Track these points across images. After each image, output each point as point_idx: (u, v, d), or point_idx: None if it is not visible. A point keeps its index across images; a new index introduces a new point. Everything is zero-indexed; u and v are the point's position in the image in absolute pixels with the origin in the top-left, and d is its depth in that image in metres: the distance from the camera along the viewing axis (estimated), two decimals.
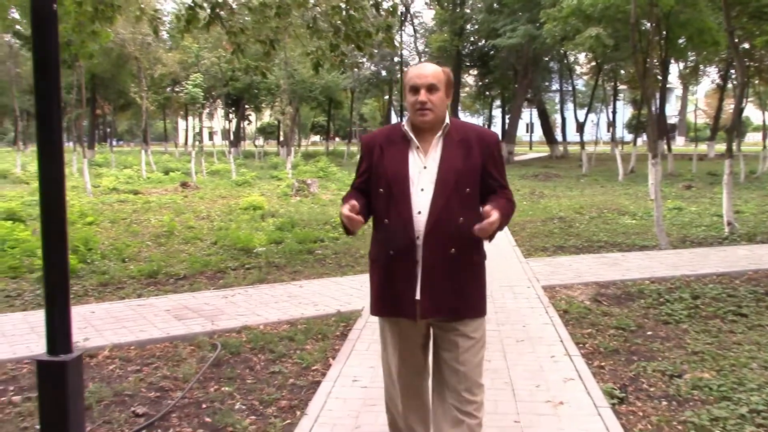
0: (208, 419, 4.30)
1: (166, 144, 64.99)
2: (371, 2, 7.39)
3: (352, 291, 7.62)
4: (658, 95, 35.06)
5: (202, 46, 28.02)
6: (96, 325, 6.25)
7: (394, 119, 58.14)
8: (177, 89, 44.93)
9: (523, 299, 7.20)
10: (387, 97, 56.60)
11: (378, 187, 3.06)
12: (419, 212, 2.94)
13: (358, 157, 3.27)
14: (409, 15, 47.25)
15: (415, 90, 2.97)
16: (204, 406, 4.52)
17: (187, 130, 70.10)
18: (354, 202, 2.88)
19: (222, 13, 6.84)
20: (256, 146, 61.37)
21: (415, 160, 3.01)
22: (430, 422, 3.25)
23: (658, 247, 10.40)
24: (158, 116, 59.61)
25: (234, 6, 7.07)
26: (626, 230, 12.36)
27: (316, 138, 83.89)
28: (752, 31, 25.04)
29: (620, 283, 7.97)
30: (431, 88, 2.96)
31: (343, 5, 7.07)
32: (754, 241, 10.96)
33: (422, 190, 2.97)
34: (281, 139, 51.77)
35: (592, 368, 5.13)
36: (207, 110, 48.19)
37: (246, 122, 62.09)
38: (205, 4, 6.78)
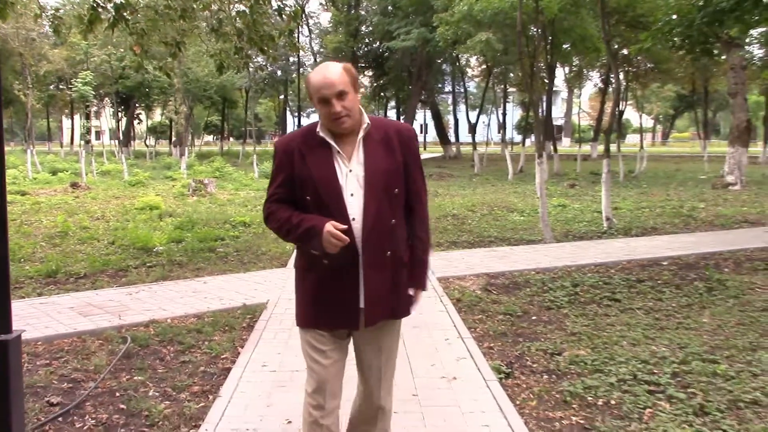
0: (122, 406, 4.48)
1: (50, 143, 62.53)
2: (274, 8, 7.66)
3: (257, 285, 7.86)
4: (544, 98, 36.74)
5: (91, 43, 27.28)
6: None
7: (289, 119, 58.14)
8: (62, 87, 43.45)
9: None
10: (282, 96, 56.52)
11: (304, 195, 2.92)
12: (353, 218, 2.86)
13: (273, 163, 3.08)
14: (304, 15, 47.38)
15: (325, 101, 2.83)
16: (117, 394, 4.69)
17: (72, 129, 67.61)
18: (337, 224, 2.79)
19: (125, 14, 6.95)
20: (147, 146, 59.91)
21: (339, 165, 2.90)
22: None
23: (543, 241, 11.12)
24: (42, 115, 57.25)
25: (137, 8, 7.13)
26: (515, 226, 13.08)
27: (209, 138, 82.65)
28: (629, 38, 26.73)
29: (508, 273, 8.56)
30: (341, 95, 2.82)
31: (247, 10, 7.30)
32: (630, 234, 11.88)
33: (352, 195, 2.88)
34: (174, 138, 50.87)
35: (482, 349, 5.61)
36: (95, 109, 46.78)
37: (136, 121, 60.53)
38: (108, 6, 6.87)
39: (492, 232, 12.24)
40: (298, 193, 2.95)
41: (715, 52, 18.20)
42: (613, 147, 38.86)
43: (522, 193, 19.91)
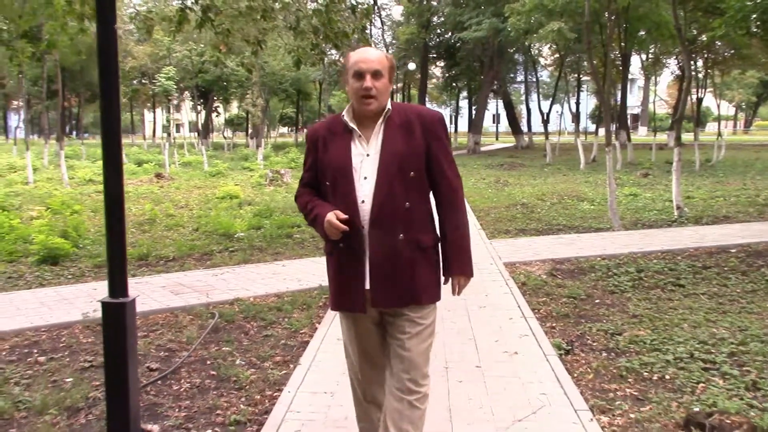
0: (213, 372, 4.98)
1: (133, 136, 64.91)
2: (348, 5, 8.09)
3: None
4: (619, 86, 36.21)
5: (173, 40, 28.40)
6: (100, 298, 6.87)
7: None
8: (144, 81, 45.18)
9: (486, 274, 7.95)
10: None
11: (324, 180, 3.02)
12: (362, 201, 2.90)
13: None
14: (376, 8, 47.82)
15: (360, 75, 2.88)
16: (208, 362, 5.20)
17: (154, 122, 70.12)
18: (339, 213, 2.87)
19: (211, 15, 7.49)
20: (224, 138, 61.56)
21: (357, 149, 2.95)
22: None
23: (611, 229, 11.24)
24: (126, 109, 59.50)
25: (222, 9, 7.65)
26: (584, 215, 13.20)
27: (284, 129, 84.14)
28: (706, 24, 26.13)
29: (574, 259, 8.78)
30: (376, 74, 2.89)
31: (323, 9, 7.76)
32: (700, 223, 11.87)
33: (365, 178, 2.91)
34: (250, 130, 52.17)
35: (544, 328, 5.91)
36: (175, 102, 48.39)
37: (214, 114, 62.25)
38: (195, 7, 7.41)
39: (560, 220, 12.40)
40: (320, 178, 3.06)
41: None
42: (690, 136, 38.11)
43: (593, 183, 19.87)
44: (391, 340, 3.04)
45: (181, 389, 4.69)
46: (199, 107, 53.74)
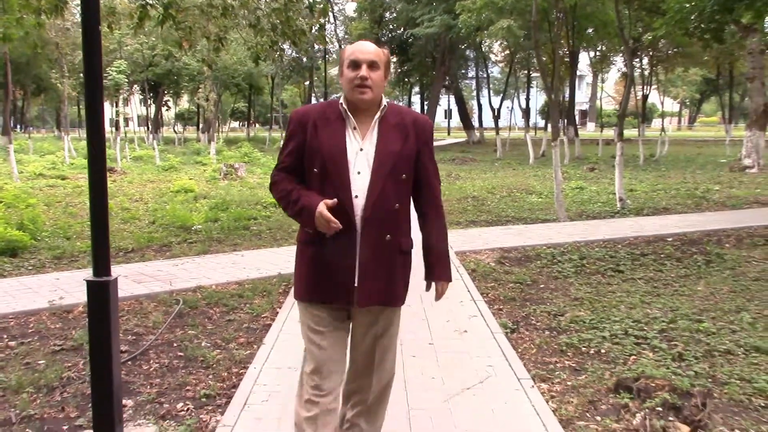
0: (180, 353, 5.25)
1: (80, 130, 63.86)
2: (305, 5, 8.38)
3: (290, 258, 8.54)
4: (568, 83, 37.10)
5: (123, 33, 28.19)
6: (65, 287, 7.06)
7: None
8: None
9: None
10: (308, 82, 57.26)
11: (312, 167, 2.92)
12: (356, 196, 2.86)
13: (286, 131, 3.09)
14: (329, 3, 47.96)
15: (356, 65, 2.87)
16: (175, 344, 5.46)
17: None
18: (328, 201, 2.82)
19: (172, 12, 7.69)
20: (175, 132, 60.99)
21: (351, 141, 2.91)
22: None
23: (557, 220, 11.75)
24: (73, 102, 58.50)
25: (183, 6, 7.85)
26: (532, 207, 13.71)
27: (236, 124, 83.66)
28: (650, 24, 27.03)
29: (521, 248, 9.23)
30: (372, 65, 2.88)
31: (281, 7, 8.02)
32: (641, 214, 12.47)
33: (359, 173, 2.87)
34: (202, 125, 51.85)
35: (492, 310, 6.32)
36: (124, 96, 47.80)
37: (164, 108, 61.63)
38: (157, 4, 7.61)
39: (509, 213, 12.88)
40: (306, 164, 2.96)
41: (728, 38, 18.54)
42: (634, 132, 39.26)
43: (542, 177, 20.46)
44: (360, 340, 3.11)
45: (151, 369, 4.95)
46: (148, 101, 53.19)
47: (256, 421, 3.90)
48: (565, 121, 37.67)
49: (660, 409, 3.86)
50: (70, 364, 4.99)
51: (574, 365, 4.88)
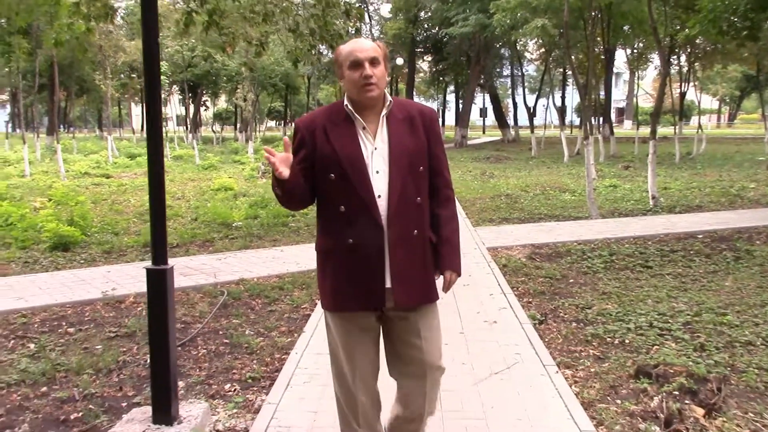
0: (226, 340, 5.61)
1: (121, 130, 65.19)
2: (343, 9, 8.73)
3: None
4: (604, 80, 36.93)
5: (165, 35, 28.84)
6: (116, 279, 7.48)
7: None
8: (133, 75, 45.55)
9: (470, 257, 8.59)
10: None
11: (328, 173, 2.84)
12: (379, 196, 2.81)
13: (293, 141, 2.93)
14: (364, 4, 48.32)
15: (357, 64, 2.79)
16: (221, 332, 5.82)
17: (142, 116, 70.26)
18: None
19: (216, 18, 8.07)
20: (213, 132, 61.92)
21: (363, 141, 2.86)
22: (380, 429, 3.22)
23: (589, 218, 11.92)
24: (114, 103, 59.76)
25: (227, 13, 8.23)
26: (564, 205, 13.88)
27: (272, 123, 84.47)
28: (686, 21, 26.85)
29: (552, 244, 9.44)
30: (374, 62, 2.81)
31: (320, 13, 8.37)
32: (673, 212, 12.57)
33: (377, 172, 2.83)
34: (239, 124, 52.60)
35: (521, 303, 6.57)
36: (163, 96, 48.68)
37: (203, 108, 62.56)
38: (201, 10, 7.99)
39: (542, 210, 13.07)
40: (319, 171, 2.88)
41: (765, 35, 18.44)
42: (666, 130, 38.99)
43: (575, 175, 20.54)
44: (403, 343, 2.99)
45: (199, 354, 5.31)
46: (187, 101, 54.09)
47: (298, 400, 4.22)
48: (601, 119, 37.51)
49: (677, 393, 4.10)
50: (125, 349, 5.37)
51: (598, 354, 5.12)
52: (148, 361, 4.91)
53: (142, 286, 6.98)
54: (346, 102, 2.89)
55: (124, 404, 4.33)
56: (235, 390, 4.56)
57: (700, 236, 9.86)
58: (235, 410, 4.22)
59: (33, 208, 13.10)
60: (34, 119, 35.13)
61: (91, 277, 7.74)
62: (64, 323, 6.09)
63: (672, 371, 4.30)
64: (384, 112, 2.89)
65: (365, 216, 2.80)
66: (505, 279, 7.51)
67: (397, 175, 2.82)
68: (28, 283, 7.45)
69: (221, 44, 8.83)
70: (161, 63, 29.84)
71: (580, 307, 6.44)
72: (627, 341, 5.40)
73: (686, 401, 4.00)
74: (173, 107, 58.80)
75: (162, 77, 26.68)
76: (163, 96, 48.59)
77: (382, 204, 2.81)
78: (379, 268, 2.83)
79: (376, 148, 2.86)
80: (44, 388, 4.60)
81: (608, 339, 5.47)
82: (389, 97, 2.93)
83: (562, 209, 13.18)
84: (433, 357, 3.01)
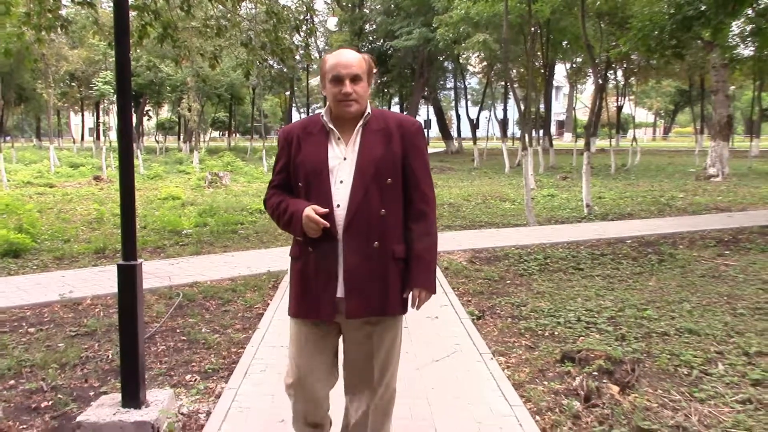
0: (184, 337, 5.92)
1: (60, 140, 64.05)
2: (293, 25, 9.13)
3: (277, 258, 9.28)
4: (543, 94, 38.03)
5: (109, 44, 28.68)
6: (71, 283, 7.70)
7: (295, 115, 59.54)
8: (73, 84, 45.03)
9: None
10: (288, 93, 57.94)
11: (297, 181, 2.94)
12: (338, 205, 2.84)
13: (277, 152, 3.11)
14: (310, 15, 48.68)
15: (338, 80, 2.83)
16: (178, 330, 6.13)
17: (83, 126, 69.20)
18: (318, 208, 2.82)
19: (170, 31, 8.37)
20: (157, 142, 61.37)
21: (334, 151, 2.90)
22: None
23: (527, 225, 12.52)
24: (53, 112, 58.69)
25: (181, 26, 8.54)
26: (504, 213, 14.48)
27: (216, 134, 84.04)
28: (621, 37, 28.02)
29: (491, 249, 9.97)
30: (355, 79, 2.84)
31: (271, 28, 8.75)
32: (606, 219, 13.28)
33: (341, 182, 2.86)
34: (182, 135, 52.32)
35: (462, 301, 7.04)
36: (102, 105, 48.18)
37: (146, 117, 61.98)
38: (154, 24, 8.28)
39: (483, 218, 13.64)
40: (293, 179, 2.98)
41: (693, 52, 19.54)
42: (603, 143, 40.43)
43: (516, 185, 21.24)
44: (353, 355, 3.06)
45: (159, 350, 5.61)
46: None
47: (256, 385, 4.59)
48: (541, 131, 38.64)
49: (596, 373, 4.61)
50: (86, 347, 5.64)
51: (529, 344, 5.62)
52: (111, 355, 5.29)
53: (99, 289, 7.29)
54: (324, 112, 2.96)
55: (91, 393, 4.62)
56: (195, 380, 4.89)
57: (629, 241, 10.52)
58: (197, 396, 4.56)
59: None
60: None
61: (46, 281, 7.93)
62: (24, 324, 6.31)
63: (593, 355, 4.81)
64: (360, 123, 2.92)
65: (329, 220, 2.82)
66: (446, 280, 7.99)
67: (359, 186, 2.84)
68: None
69: (175, 56, 9.12)
70: (106, 72, 29.69)
71: (515, 305, 6.94)
72: (556, 333, 5.90)
73: (604, 380, 4.51)
74: (114, 117, 58.07)
75: (107, 87, 26.60)
76: (104, 105, 48.11)
77: (340, 214, 2.84)
78: (332, 278, 2.86)
79: (345, 158, 2.89)
80: (12, 381, 4.86)
81: (539, 331, 5.97)
82: (368, 110, 2.94)
83: (502, 217, 13.76)
84: (383, 372, 3.03)
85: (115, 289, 7.17)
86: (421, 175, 2.98)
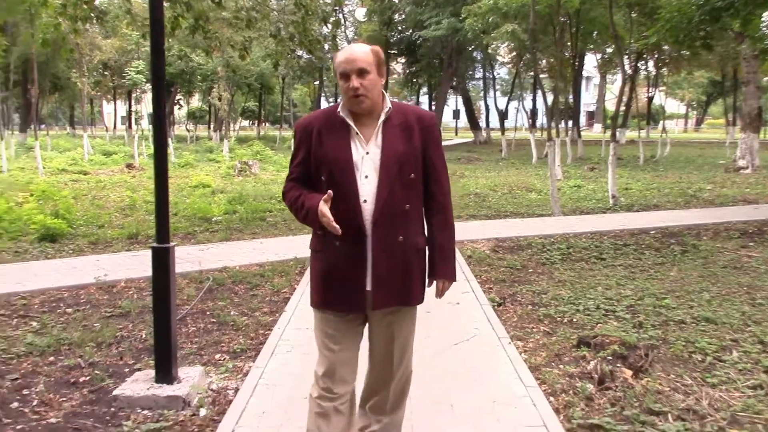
0: (213, 320, 6.15)
1: (93, 128, 64.99)
2: (320, 17, 9.33)
3: (304, 245, 9.37)
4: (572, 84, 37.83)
5: (143, 35, 29.12)
6: (106, 267, 7.99)
7: (324, 104, 59.81)
8: (105, 73, 45.70)
9: None
10: (317, 82, 58.20)
11: (319, 175, 2.95)
12: (365, 200, 2.87)
13: (293, 143, 3.15)
14: (340, 10, 48.85)
15: (345, 76, 2.87)
16: (208, 313, 6.37)
17: (115, 114, 70.24)
18: (325, 196, 2.83)
19: (201, 22, 8.60)
20: (188, 130, 62.04)
21: (356, 146, 2.92)
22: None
23: (552, 215, 12.61)
24: (86, 100, 59.53)
25: (212, 18, 8.77)
26: (530, 203, 14.57)
27: (246, 123, 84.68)
28: (650, 28, 27.77)
29: (515, 238, 10.09)
30: (362, 73, 2.85)
31: (299, 20, 8.95)
32: (631, 210, 13.32)
33: (366, 177, 2.89)
34: (213, 124, 52.86)
35: (483, 288, 7.19)
36: (134, 94, 48.79)
37: (176, 106, 62.66)
38: (186, 15, 8.51)
39: (508, 208, 13.74)
40: (313, 172, 2.99)
41: (725, 44, 19.34)
42: (643, 133, 40.10)
43: (543, 176, 21.25)
44: (376, 343, 3.15)
45: (190, 331, 5.85)
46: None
47: (282, 365, 4.80)
48: (570, 122, 38.45)
49: (610, 357, 4.74)
50: (121, 327, 5.90)
51: (547, 330, 5.76)
52: (144, 335, 5.55)
53: (132, 273, 7.57)
54: (339, 108, 2.97)
55: (126, 370, 4.87)
56: (224, 359, 5.12)
57: (652, 232, 10.58)
58: (226, 374, 4.78)
59: (16, 202, 13.47)
60: (3, 116, 35.23)
61: (81, 264, 8.23)
62: (62, 304, 6.60)
63: (608, 341, 4.94)
64: (382, 117, 2.94)
65: (350, 220, 2.84)
66: (469, 268, 8.14)
67: (385, 181, 2.87)
68: (23, 270, 7.93)
69: (206, 47, 9.36)
70: (138, 62, 30.17)
71: (536, 293, 7.07)
72: (575, 320, 6.04)
73: (618, 365, 4.65)
74: (146, 105, 58.79)
75: (140, 76, 27.04)
76: (136, 94, 48.73)
77: (368, 209, 2.87)
78: (361, 271, 2.91)
79: (367, 153, 2.91)
80: (51, 358, 5.12)
81: (558, 318, 6.11)
82: (389, 103, 2.96)
83: (527, 207, 13.86)
84: (402, 357, 3.17)
85: (148, 273, 7.47)
86: (440, 168, 3.06)
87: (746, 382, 4.54)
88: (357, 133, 2.92)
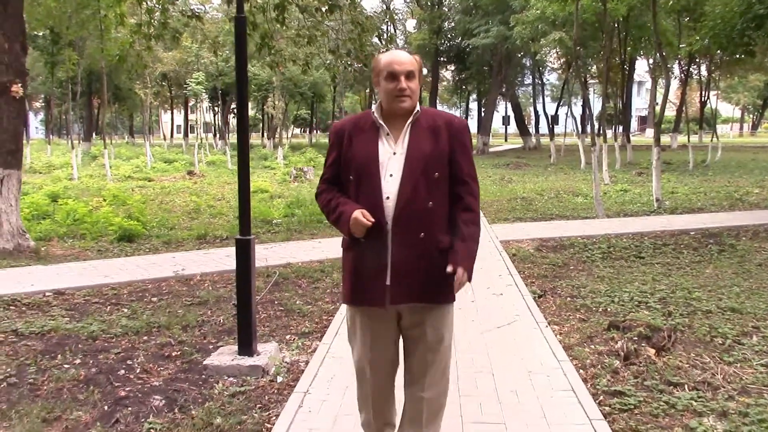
0: (281, 308, 6.90)
1: (151, 136, 67.15)
2: (376, 34, 10.02)
3: None
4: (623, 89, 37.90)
5: (201, 46, 30.52)
6: (181, 263, 8.83)
7: None
8: (163, 84, 47.45)
9: (484, 248, 9.80)
10: (368, 90, 59.20)
11: (348, 175, 3.07)
12: (387, 197, 2.96)
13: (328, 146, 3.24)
14: (390, 17, 49.71)
15: (394, 77, 2.97)
16: (276, 302, 7.12)
17: (172, 123, 72.35)
18: (367, 213, 2.92)
19: (267, 40, 9.39)
20: None
21: (384, 146, 3.03)
22: (396, 421, 3.40)
23: (596, 217, 13.09)
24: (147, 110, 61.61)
25: (276, 36, 9.54)
26: (575, 207, 15.04)
27: (297, 130, 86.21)
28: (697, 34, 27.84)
29: (558, 239, 10.64)
30: (410, 75, 2.98)
31: (356, 37, 9.69)
32: (675, 213, 13.69)
33: (391, 175, 2.98)
34: (266, 132, 54.25)
35: (526, 282, 7.80)
36: (192, 104, 50.47)
37: (231, 115, 64.34)
38: (253, 33, 9.29)
39: (554, 211, 14.26)
40: (343, 173, 3.10)
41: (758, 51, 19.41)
42: (693, 138, 39.90)
43: (590, 181, 21.37)
44: (408, 341, 3.19)
45: (261, 317, 6.59)
46: (216, 109, 55.86)
47: (346, 342, 5.48)
48: (621, 127, 38.53)
49: (636, 338, 5.32)
50: (201, 313, 6.68)
51: (582, 317, 6.35)
52: (222, 320, 6.28)
53: (205, 268, 8.41)
54: (374, 109, 3.10)
55: (210, 347, 5.62)
56: (294, 339, 5.85)
57: (692, 233, 10.99)
58: (297, 350, 5.51)
59: (91, 206, 14.51)
60: (68, 126, 36.90)
61: (159, 261, 9.10)
62: (147, 294, 7.43)
63: (636, 324, 5.52)
64: (410, 120, 3.04)
65: (373, 216, 2.92)
66: (513, 264, 8.74)
67: (408, 179, 2.96)
68: (109, 265, 8.82)
69: (271, 63, 10.16)
70: (199, 74, 31.43)
71: (575, 287, 7.64)
72: (609, 310, 6.60)
73: (642, 344, 5.22)
74: (201, 114, 60.54)
75: (200, 87, 28.24)
76: (192, 103, 50.38)
77: (390, 206, 2.96)
78: (381, 267, 2.99)
79: (395, 153, 3.02)
80: (145, 337, 5.92)
81: (593, 308, 6.68)
82: (418, 107, 3.06)
83: (573, 210, 14.34)
84: (434, 364, 3.17)
85: (220, 268, 8.34)
86: (468, 171, 3.11)
87: (760, 360, 5.07)
88: (388, 134, 3.05)
